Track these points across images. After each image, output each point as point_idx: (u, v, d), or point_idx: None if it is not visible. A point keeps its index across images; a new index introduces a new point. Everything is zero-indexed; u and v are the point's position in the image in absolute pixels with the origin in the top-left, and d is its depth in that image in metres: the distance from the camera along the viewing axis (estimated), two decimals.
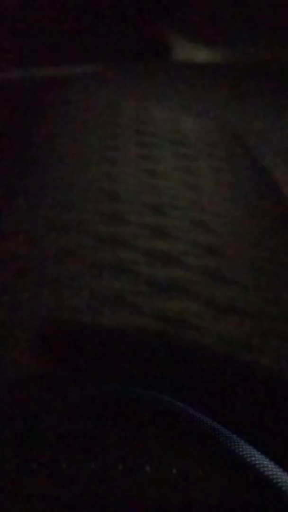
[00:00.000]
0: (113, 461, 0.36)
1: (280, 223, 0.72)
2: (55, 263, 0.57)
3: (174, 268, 0.57)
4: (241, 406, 0.41)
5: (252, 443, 0.30)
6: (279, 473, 0.28)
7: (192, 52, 1.38)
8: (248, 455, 0.29)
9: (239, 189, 0.78)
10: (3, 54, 1.23)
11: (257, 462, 0.29)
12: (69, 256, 0.58)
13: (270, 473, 0.28)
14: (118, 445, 0.37)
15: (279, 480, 0.28)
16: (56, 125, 0.92)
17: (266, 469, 0.28)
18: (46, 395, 0.38)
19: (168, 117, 0.97)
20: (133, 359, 0.46)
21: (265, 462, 0.29)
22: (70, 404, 0.37)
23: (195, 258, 0.59)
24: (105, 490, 0.35)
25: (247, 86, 1.23)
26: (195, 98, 1.14)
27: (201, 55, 1.37)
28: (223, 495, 0.35)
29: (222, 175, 0.81)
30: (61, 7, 1.31)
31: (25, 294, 0.52)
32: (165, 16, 1.38)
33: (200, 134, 0.93)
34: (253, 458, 0.29)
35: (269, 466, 0.28)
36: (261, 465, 0.29)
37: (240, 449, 0.29)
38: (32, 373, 0.39)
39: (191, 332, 0.49)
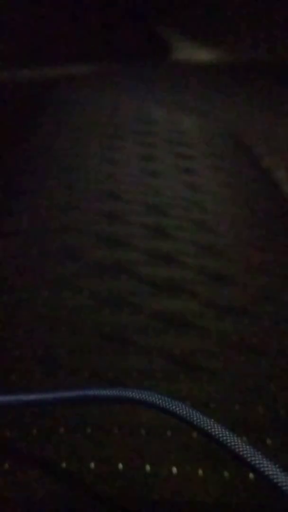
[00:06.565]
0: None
1: (280, 223, 0.72)
2: (55, 263, 0.57)
3: (174, 268, 0.57)
4: None
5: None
6: (279, 473, 0.28)
7: (192, 52, 1.38)
8: (248, 455, 0.29)
9: (239, 189, 0.78)
10: (3, 54, 1.23)
11: (257, 462, 0.29)
12: (69, 256, 0.58)
13: (270, 473, 0.28)
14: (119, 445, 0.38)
15: (279, 480, 0.28)
16: (56, 125, 0.92)
17: (266, 469, 0.28)
18: None
19: (168, 117, 0.97)
20: None
21: (265, 462, 0.29)
22: None
23: (195, 258, 0.59)
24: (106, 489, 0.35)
25: (247, 86, 1.23)
26: (195, 98, 1.14)
27: (201, 55, 1.37)
28: (223, 495, 0.35)
29: (222, 175, 0.81)
30: (62, 7, 1.31)
31: (25, 294, 0.52)
32: (165, 16, 1.38)
33: (200, 134, 0.93)
34: (253, 458, 0.29)
35: (269, 466, 0.28)
36: (261, 465, 0.29)
37: (240, 449, 0.29)
38: None
39: (191, 332, 0.49)
